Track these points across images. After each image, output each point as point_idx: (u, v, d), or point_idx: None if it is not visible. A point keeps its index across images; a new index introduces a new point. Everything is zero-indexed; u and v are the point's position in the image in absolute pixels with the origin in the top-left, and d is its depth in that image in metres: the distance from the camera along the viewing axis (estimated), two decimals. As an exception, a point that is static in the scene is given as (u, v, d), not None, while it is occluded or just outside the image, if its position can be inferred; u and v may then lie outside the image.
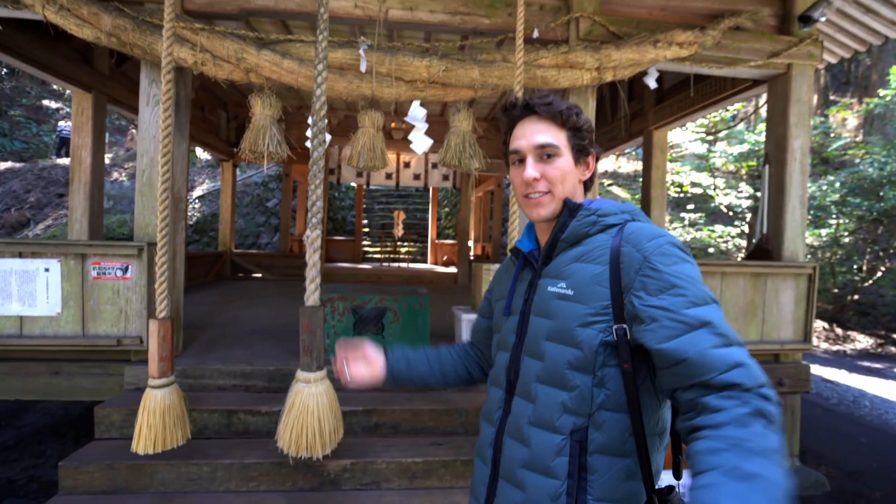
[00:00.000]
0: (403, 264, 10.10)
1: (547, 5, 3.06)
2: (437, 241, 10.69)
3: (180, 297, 3.01)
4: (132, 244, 2.72)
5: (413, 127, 2.92)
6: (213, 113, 6.61)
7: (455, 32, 3.18)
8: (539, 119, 0.93)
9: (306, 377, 2.13)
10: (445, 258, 10.43)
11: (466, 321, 2.97)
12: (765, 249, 3.41)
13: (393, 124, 6.52)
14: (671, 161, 9.70)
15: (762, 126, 7.98)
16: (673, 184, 9.07)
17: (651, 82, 3.13)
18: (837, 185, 7.47)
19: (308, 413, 2.10)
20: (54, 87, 14.13)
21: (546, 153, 0.92)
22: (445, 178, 8.09)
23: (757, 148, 7.77)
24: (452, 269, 9.09)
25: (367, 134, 2.86)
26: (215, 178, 12.08)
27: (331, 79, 2.67)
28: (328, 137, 2.85)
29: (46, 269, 2.69)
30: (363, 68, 2.65)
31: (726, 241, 8.99)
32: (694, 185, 8.95)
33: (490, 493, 0.94)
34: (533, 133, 0.92)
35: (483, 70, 2.73)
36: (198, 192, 11.28)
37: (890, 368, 6.65)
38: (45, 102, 14.25)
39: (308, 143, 2.73)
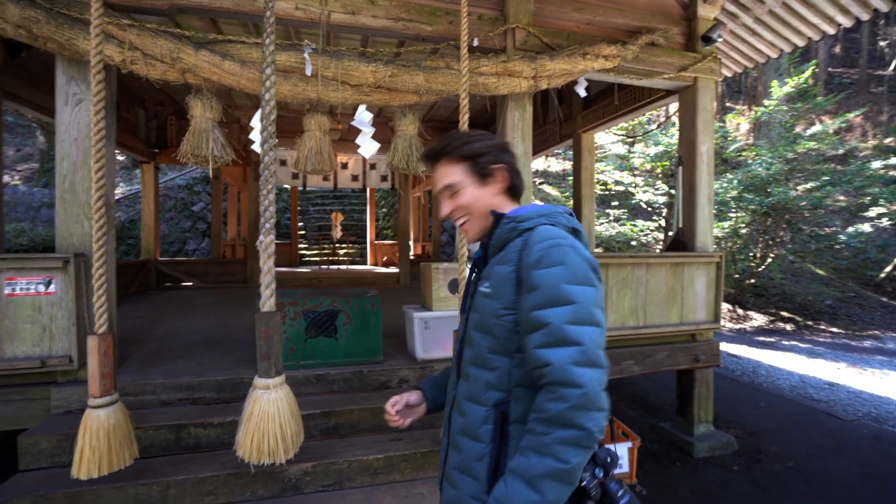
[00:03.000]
0: (343, 266, 9.94)
1: (485, 15, 3.23)
2: (376, 242, 10.63)
3: (114, 310, 2.80)
4: (56, 256, 2.50)
5: (359, 130, 2.95)
6: (129, 111, 6.10)
7: (398, 38, 3.25)
8: (445, 162, 1.12)
9: (265, 383, 2.11)
10: (385, 259, 10.41)
11: (418, 320, 3.06)
12: (681, 242, 3.85)
13: (329, 125, 6.43)
14: (597, 161, 10.45)
15: (673, 130, 8.85)
16: (598, 182, 9.78)
17: (581, 91, 3.41)
18: (735, 182, 8.50)
19: (269, 419, 2.08)
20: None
21: (451, 192, 1.11)
22: (384, 178, 8.10)
23: (669, 149, 8.61)
24: (394, 270, 9.11)
25: (313, 137, 2.85)
26: (131, 181, 11.10)
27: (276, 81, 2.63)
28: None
29: (-52, 287, 2.39)
30: (308, 72, 2.64)
31: (646, 235, 9.86)
32: (617, 183, 9.71)
33: (445, 457, 1.14)
34: (439, 179, 1.13)
35: (428, 76, 2.83)
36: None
37: (780, 341, 7.69)
38: None
39: (256, 147, 2.68)
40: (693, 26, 3.72)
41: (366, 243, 10.77)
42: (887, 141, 13.39)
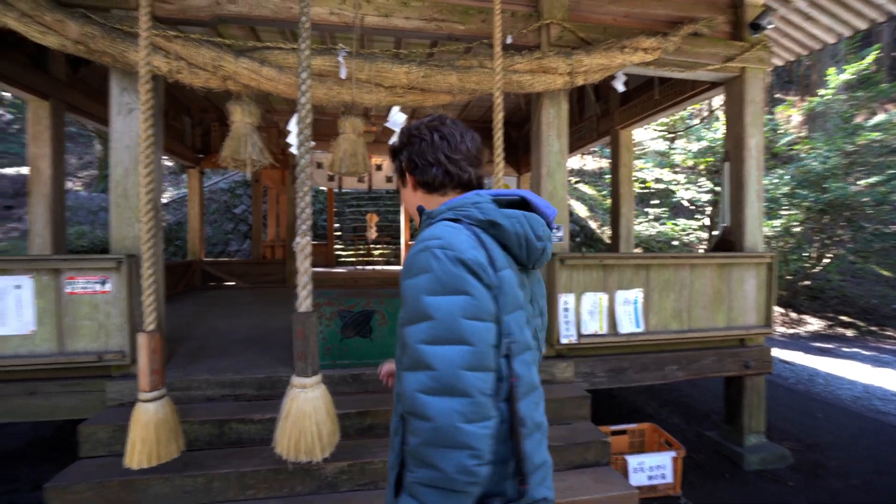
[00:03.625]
0: (378, 267, 10.07)
1: (519, 12, 3.17)
2: (410, 243, 10.72)
3: (162, 309, 2.94)
4: (110, 257, 2.65)
5: (393, 132, 2.96)
6: (176, 119, 6.42)
7: (430, 38, 3.24)
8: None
9: (302, 382, 2.15)
10: (420, 259, 10.46)
11: (453, 320, 3.03)
12: (728, 241, 3.65)
13: (364, 128, 6.53)
14: (635, 158, 10.13)
15: (717, 124, 8.43)
16: (637, 180, 9.45)
17: (619, 86, 3.29)
18: (787, 178, 8.00)
19: (305, 418, 2.11)
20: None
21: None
22: (419, 180, 8.14)
23: (713, 145, 8.21)
24: (428, 271, 9.14)
25: (348, 140, 2.89)
26: (178, 185, 11.68)
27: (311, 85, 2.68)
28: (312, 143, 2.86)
29: (17, 286, 2.58)
30: (343, 75, 2.68)
31: (688, 234, 9.44)
32: (657, 181, 9.35)
33: None
34: None
35: (461, 76, 2.81)
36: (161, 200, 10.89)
37: (839, 348, 7.17)
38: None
39: (293, 149, 2.75)
40: (740, 13, 3.52)
41: (400, 244, 10.87)
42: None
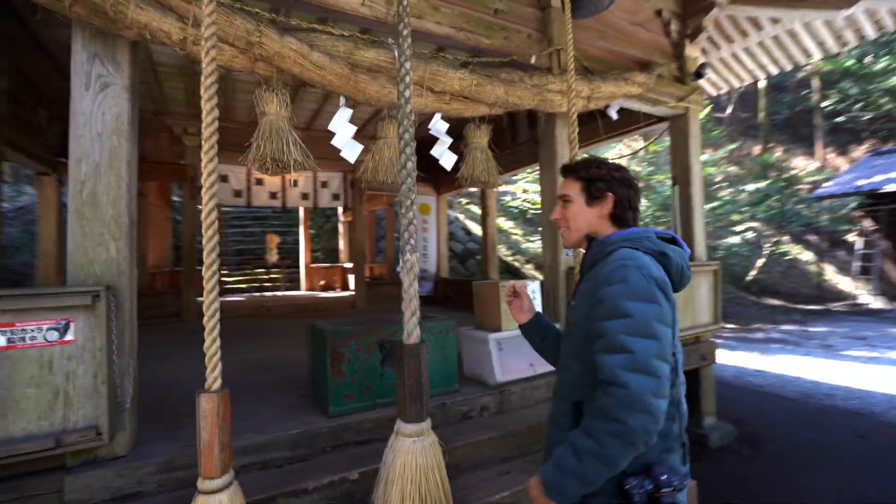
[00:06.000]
0: (278, 293, 8.98)
1: (533, 35, 3.26)
2: (311, 266, 9.83)
3: (135, 357, 2.15)
4: (80, 290, 1.82)
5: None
6: (31, 110, 4.84)
7: (459, 48, 3.11)
8: (570, 177, 1.34)
9: (417, 430, 1.80)
10: (323, 282, 9.67)
11: (494, 341, 2.88)
12: (679, 252, 4.25)
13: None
14: (532, 182, 11.14)
15: (608, 155, 9.82)
16: (533, 203, 10.36)
17: (613, 114, 3.62)
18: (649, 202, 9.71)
19: (429, 472, 1.76)
20: None
21: (563, 200, 1.33)
22: (335, 197, 7.57)
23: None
24: (342, 294, 8.51)
25: (391, 146, 2.56)
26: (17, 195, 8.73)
27: (363, 80, 2.32)
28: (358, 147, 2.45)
29: None
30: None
31: (574, 250, 10.74)
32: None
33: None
34: (561, 188, 1.36)
35: (507, 88, 2.75)
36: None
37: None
38: None
39: (345, 154, 2.32)
40: (681, 63, 4.22)
41: (299, 267, 9.89)
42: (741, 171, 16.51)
